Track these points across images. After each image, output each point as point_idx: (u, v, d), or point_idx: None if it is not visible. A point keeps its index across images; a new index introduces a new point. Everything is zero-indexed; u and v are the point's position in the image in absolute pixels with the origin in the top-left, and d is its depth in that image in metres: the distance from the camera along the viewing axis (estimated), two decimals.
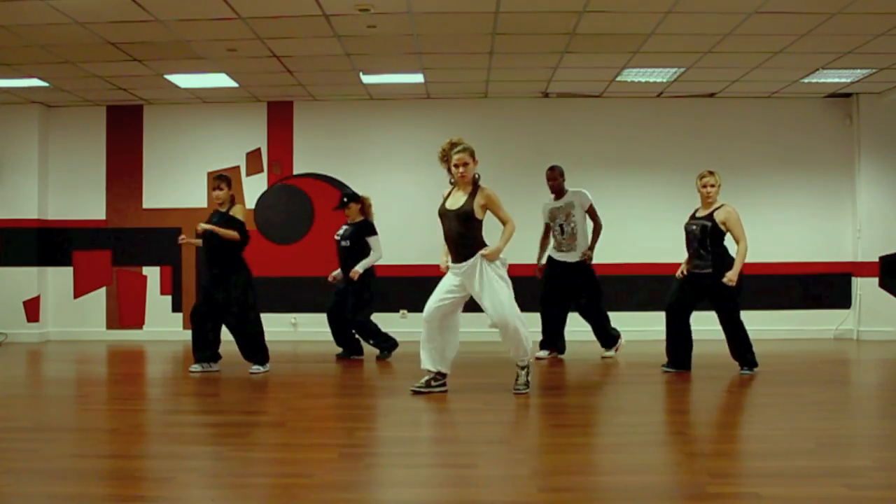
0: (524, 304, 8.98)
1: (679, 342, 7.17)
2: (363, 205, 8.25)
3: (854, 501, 3.59)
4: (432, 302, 6.13)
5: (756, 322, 9.84)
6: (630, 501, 3.68)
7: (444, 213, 6.11)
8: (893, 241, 9.85)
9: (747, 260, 6.79)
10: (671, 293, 7.21)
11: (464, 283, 6.07)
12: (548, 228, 8.22)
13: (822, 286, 9.98)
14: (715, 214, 6.96)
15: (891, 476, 4.01)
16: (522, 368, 6.22)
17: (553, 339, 8.30)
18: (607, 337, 8.25)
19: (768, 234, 9.94)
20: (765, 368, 7.58)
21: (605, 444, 4.72)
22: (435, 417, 5.69)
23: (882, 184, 9.85)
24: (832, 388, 6.81)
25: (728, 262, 6.92)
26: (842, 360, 8.68)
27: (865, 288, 9.85)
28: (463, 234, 6.02)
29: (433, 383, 6.19)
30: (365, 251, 8.07)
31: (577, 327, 8.53)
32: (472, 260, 5.99)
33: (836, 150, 10.00)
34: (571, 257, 8.06)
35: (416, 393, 6.14)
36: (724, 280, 6.80)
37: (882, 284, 9.85)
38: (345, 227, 8.29)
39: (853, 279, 9.95)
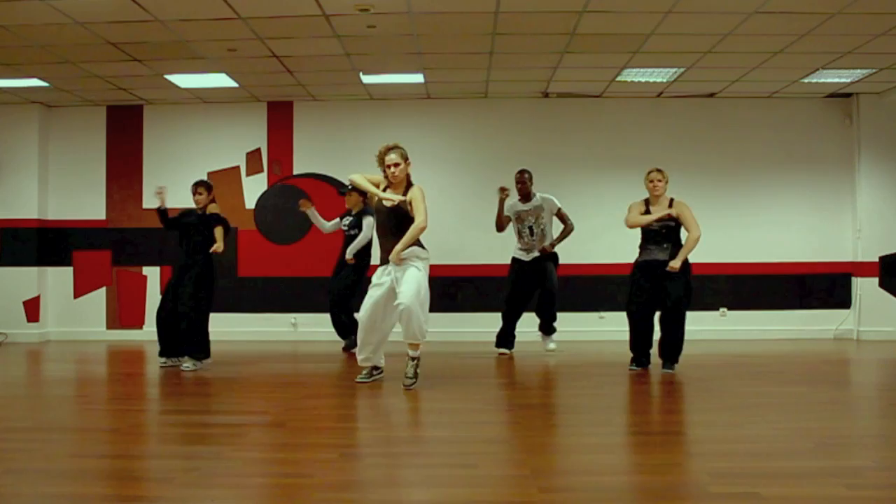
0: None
1: (648, 338, 7.25)
2: (366, 197, 8.34)
3: (854, 501, 3.59)
4: (367, 301, 6.42)
5: (756, 322, 9.91)
6: (630, 501, 3.68)
7: (378, 210, 6.45)
8: (893, 241, 9.86)
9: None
10: (637, 296, 7.18)
11: (388, 276, 6.36)
12: (506, 218, 8.27)
13: (822, 286, 9.99)
14: (675, 212, 7.07)
15: (891, 476, 4.01)
16: (413, 360, 6.42)
17: (511, 338, 8.40)
18: (552, 324, 8.34)
19: (768, 234, 9.95)
20: (765, 368, 7.60)
21: (605, 444, 4.71)
22: (435, 417, 5.69)
23: (882, 184, 9.85)
24: (832, 388, 6.81)
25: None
26: (842, 360, 8.67)
27: (865, 288, 9.85)
28: (395, 229, 6.33)
29: (374, 373, 6.70)
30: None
31: (579, 327, 8.53)
32: (389, 266, 6.34)
33: (836, 150, 10.00)
34: (536, 255, 8.17)
35: (361, 383, 6.60)
36: (669, 267, 6.91)
37: (882, 284, 9.85)
38: (349, 217, 8.55)
39: (853, 279, 9.95)
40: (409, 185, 6.41)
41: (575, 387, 7.05)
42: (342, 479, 4.05)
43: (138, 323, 10.17)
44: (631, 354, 7.31)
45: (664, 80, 9.13)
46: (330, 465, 4.24)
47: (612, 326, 9.49)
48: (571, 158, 9.88)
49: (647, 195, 7.26)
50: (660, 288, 7.03)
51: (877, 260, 9.86)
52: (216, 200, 7.69)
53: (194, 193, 7.52)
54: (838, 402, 6.16)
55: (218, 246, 7.37)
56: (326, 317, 8.73)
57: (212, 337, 7.69)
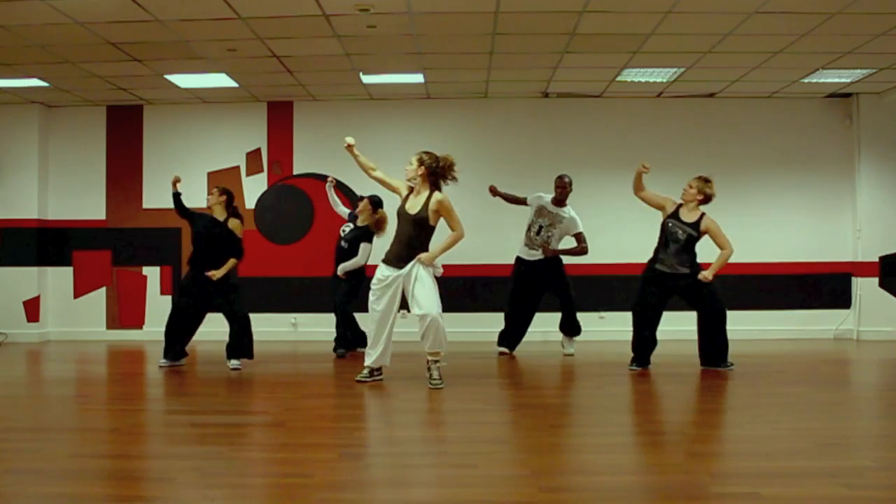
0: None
1: (652, 342, 7.30)
2: (378, 218, 8.29)
3: (854, 501, 3.59)
4: (377, 306, 6.43)
5: (756, 322, 9.90)
6: (630, 501, 3.68)
7: (400, 214, 6.47)
8: (893, 241, 9.85)
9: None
10: (645, 296, 7.22)
11: (396, 277, 6.38)
12: (519, 200, 8.35)
13: (822, 286, 9.98)
14: (701, 224, 7.08)
15: (891, 476, 4.01)
16: (436, 362, 6.46)
17: (516, 338, 8.42)
18: (574, 326, 8.35)
19: (768, 234, 9.95)
20: (765, 368, 7.60)
21: (605, 444, 4.71)
22: (435, 417, 5.69)
23: (882, 184, 9.85)
24: (832, 388, 6.81)
25: (698, 264, 7.15)
26: (842, 360, 8.67)
27: (865, 288, 9.85)
28: (413, 239, 6.37)
29: (376, 374, 6.68)
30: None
31: (584, 327, 8.53)
32: (410, 263, 6.34)
33: (836, 150, 10.00)
34: (541, 255, 8.15)
35: (360, 382, 6.61)
36: (701, 276, 6.99)
37: (882, 284, 9.85)
38: (350, 227, 8.40)
39: (853, 279, 9.95)
40: (432, 191, 6.40)
41: (575, 387, 7.05)
42: (342, 479, 4.05)
43: (138, 323, 10.17)
44: (632, 354, 7.32)
45: (664, 80, 9.13)
46: (330, 465, 4.24)
47: (612, 326, 9.51)
48: (571, 158, 9.86)
49: (640, 196, 7.37)
50: (695, 297, 7.11)
51: (877, 260, 9.86)
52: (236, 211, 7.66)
53: (210, 193, 7.57)
54: (838, 402, 6.16)
55: (214, 273, 7.35)
56: (326, 317, 8.73)
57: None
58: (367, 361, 6.63)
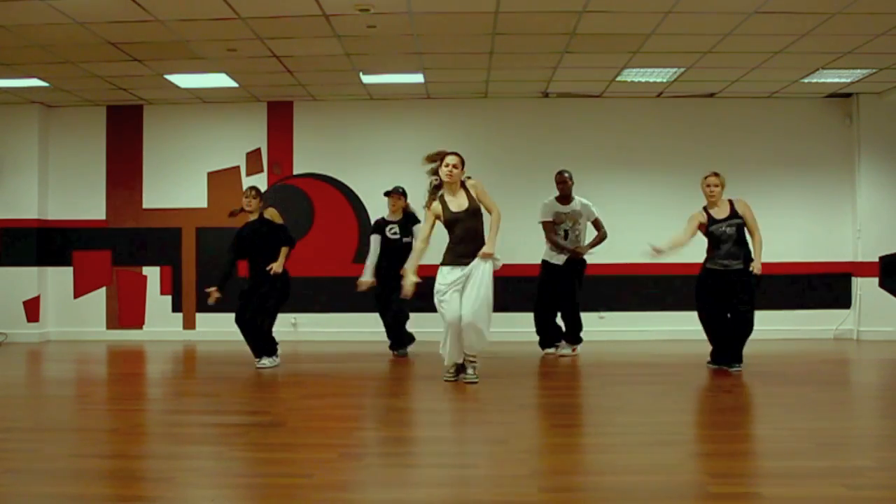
0: (521, 304, 9.12)
1: (727, 339, 7.25)
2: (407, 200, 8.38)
3: (854, 501, 3.59)
4: (456, 307, 6.41)
5: (756, 322, 9.84)
6: (630, 501, 3.68)
7: (456, 218, 6.51)
8: (893, 241, 9.85)
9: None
10: (706, 299, 7.19)
11: (466, 273, 6.43)
12: (550, 225, 8.13)
13: (822, 286, 9.98)
14: (737, 208, 7.11)
15: (891, 476, 4.01)
16: (472, 362, 6.61)
17: (556, 336, 8.37)
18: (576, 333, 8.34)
19: (768, 234, 9.81)
20: (765, 369, 7.59)
21: (605, 444, 4.72)
22: (435, 417, 5.69)
23: (882, 184, 9.85)
24: (832, 388, 6.81)
25: (750, 254, 7.13)
26: (842, 360, 8.67)
27: (865, 288, 9.85)
28: (476, 230, 6.52)
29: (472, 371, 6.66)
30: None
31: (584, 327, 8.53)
32: (476, 260, 6.44)
33: (836, 150, 10.00)
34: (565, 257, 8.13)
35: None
36: (753, 270, 6.98)
37: (882, 284, 9.84)
38: (391, 224, 8.37)
39: (853, 279, 9.95)
40: (465, 186, 6.57)
41: (575, 387, 7.05)
42: (342, 479, 4.05)
43: (138, 323, 10.17)
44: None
45: (664, 80, 9.13)
46: (330, 465, 4.24)
47: (612, 326, 9.51)
48: (571, 158, 9.84)
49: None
50: (732, 289, 7.11)
51: (877, 260, 9.86)
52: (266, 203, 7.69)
53: (247, 197, 7.57)
54: (838, 402, 6.16)
55: (277, 266, 7.48)
56: (326, 317, 8.73)
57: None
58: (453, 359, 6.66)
